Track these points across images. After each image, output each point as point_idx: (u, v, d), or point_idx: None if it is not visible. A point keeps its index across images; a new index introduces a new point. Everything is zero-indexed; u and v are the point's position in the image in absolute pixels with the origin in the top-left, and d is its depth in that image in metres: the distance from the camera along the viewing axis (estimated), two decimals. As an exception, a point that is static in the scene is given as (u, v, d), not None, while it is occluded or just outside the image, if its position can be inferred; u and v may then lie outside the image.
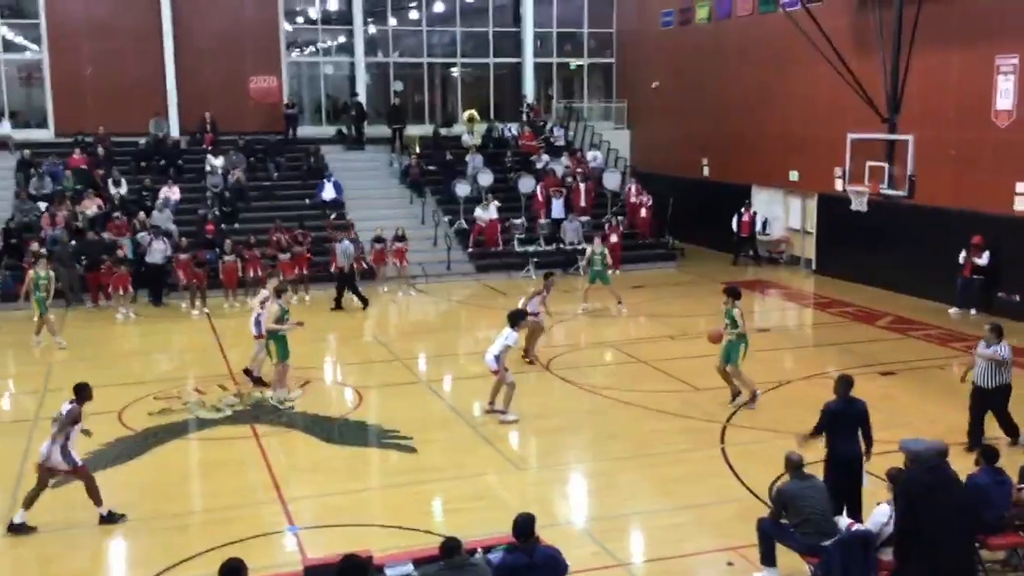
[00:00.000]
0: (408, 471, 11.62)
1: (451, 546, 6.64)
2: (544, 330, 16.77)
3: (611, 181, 27.67)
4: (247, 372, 15.16)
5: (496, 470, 11.69)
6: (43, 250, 20.11)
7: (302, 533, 9.81)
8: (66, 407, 10.06)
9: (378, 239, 23.02)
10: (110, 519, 10.01)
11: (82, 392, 10.24)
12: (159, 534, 9.90)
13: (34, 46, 28.00)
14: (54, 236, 21.52)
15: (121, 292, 20.46)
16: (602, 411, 13.86)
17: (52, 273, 18.31)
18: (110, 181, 24.42)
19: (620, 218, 26.13)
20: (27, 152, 25.18)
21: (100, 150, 25.62)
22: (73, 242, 21.66)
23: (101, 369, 16.08)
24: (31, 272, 18.09)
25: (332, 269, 21.80)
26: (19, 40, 28.26)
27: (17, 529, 9.77)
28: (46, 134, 27.48)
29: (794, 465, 8.45)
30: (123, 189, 24.28)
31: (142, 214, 22.96)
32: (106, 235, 21.92)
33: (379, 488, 11.44)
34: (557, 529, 9.35)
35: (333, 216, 24.64)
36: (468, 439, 12.71)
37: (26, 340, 17.77)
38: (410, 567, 7.02)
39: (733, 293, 13.60)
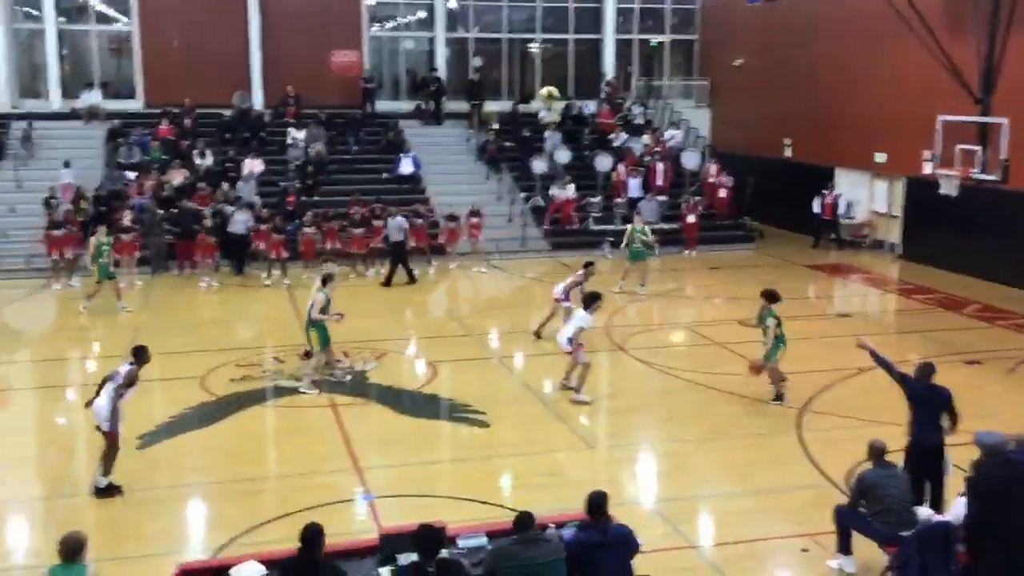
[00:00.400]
0: (479, 445, 11.71)
1: (524, 520, 6.67)
2: (567, 313, 16.37)
3: (690, 161, 27.31)
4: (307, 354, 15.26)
5: (567, 447, 11.70)
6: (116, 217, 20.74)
7: (376, 502, 9.97)
8: (124, 368, 10.19)
9: (451, 216, 23.12)
10: (107, 491, 10.03)
11: (141, 355, 10.33)
12: (238, 498, 10.16)
13: (124, 18, 28.67)
14: (142, 204, 22.11)
15: (209, 261, 21.00)
16: (675, 392, 13.76)
17: (112, 239, 18.93)
18: (195, 152, 24.96)
19: (698, 198, 25.80)
20: (116, 122, 25.84)
21: (187, 121, 26.18)
22: (161, 211, 22.24)
23: (184, 335, 16.52)
24: (93, 239, 18.65)
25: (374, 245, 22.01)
26: (111, 12, 28.96)
27: (103, 492, 10.10)
28: (135, 105, 28.16)
29: (877, 452, 8.27)
30: (208, 160, 24.80)
31: (226, 185, 23.43)
32: (191, 205, 22.43)
33: (451, 461, 11.56)
34: (627, 508, 9.32)
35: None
36: (539, 416, 12.74)
37: (112, 305, 18.31)
38: (483, 539, 7.06)
39: (769, 296, 12.98)
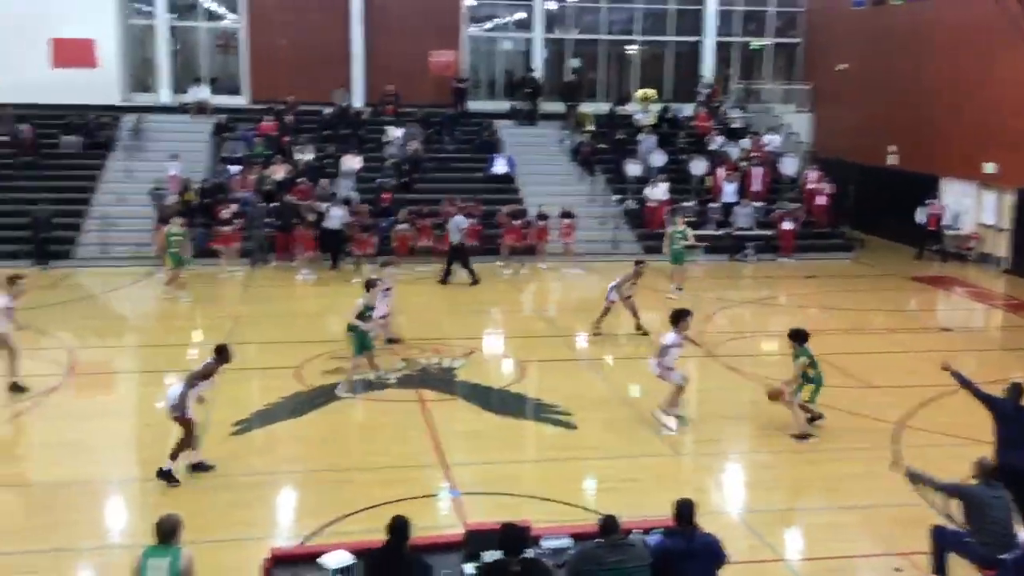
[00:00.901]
0: (566, 447, 11.69)
1: (610, 524, 6.63)
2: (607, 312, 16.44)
3: (788, 166, 26.78)
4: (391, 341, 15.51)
5: (654, 453, 11.59)
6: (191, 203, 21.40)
7: (460, 498, 10.04)
8: (205, 362, 10.52)
9: (541, 216, 23.15)
10: (166, 476, 10.22)
11: (223, 353, 10.62)
12: (328, 487, 10.36)
13: (233, 15, 29.50)
14: (246, 198, 22.71)
15: (307, 254, 21.48)
16: (766, 402, 13.45)
17: (186, 230, 19.43)
18: (296, 148, 25.53)
19: (796, 205, 25.27)
20: (222, 117, 26.61)
21: (289, 118, 26.80)
22: (264, 204, 22.83)
23: (281, 327, 16.93)
24: (165, 229, 19.22)
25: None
26: (220, 9, 29.84)
27: (197, 468, 10.41)
28: (241, 100, 28.96)
29: (986, 471, 7.96)
30: (308, 156, 25.33)
31: (324, 181, 23.91)
32: (291, 199, 22.94)
33: (536, 460, 11.56)
34: (714, 517, 9.17)
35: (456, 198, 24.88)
36: (626, 419, 12.64)
37: (216, 294, 18.86)
38: (568, 540, 7.05)
39: (796, 337, 12.11)
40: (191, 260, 19.24)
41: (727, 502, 10.40)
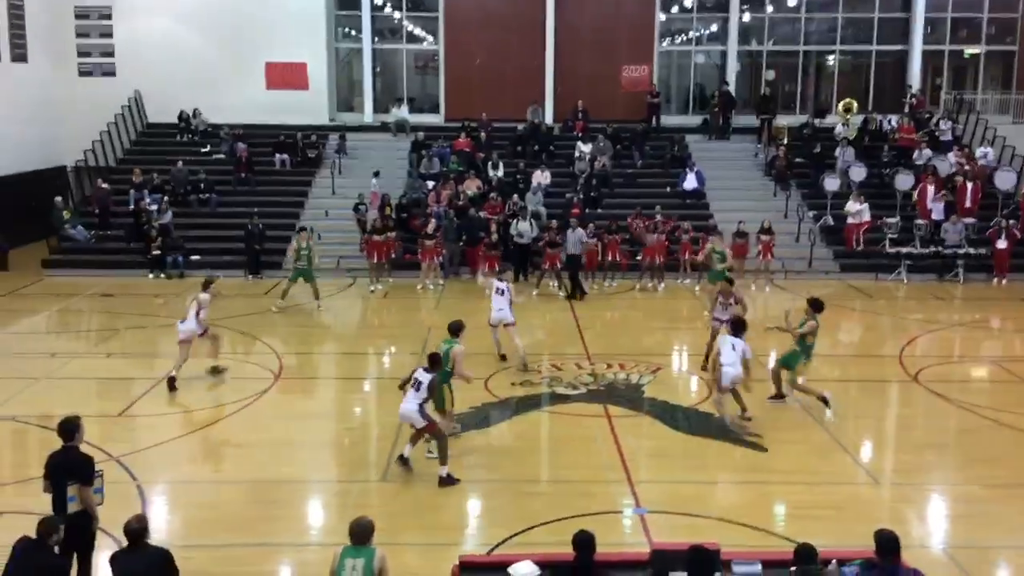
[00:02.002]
0: (756, 469, 11.36)
1: (806, 553, 6.39)
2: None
3: (1004, 181, 25.03)
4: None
5: (850, 480, 11.10)
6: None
7: (645, 516, 9.94)
8: (425, 376, 10.87)
9: (740, 233, 22.67)
10: (448, 481, 10.70)
11: (435, 362, 11.10)
12: (515, 497, 10.51)
13: (431, 38, 30.62)
14: (439, 213, 23.47)
15: (487, 268, 21.91)
16: (975, 431, 12.65)
17: (312, 245, 20.12)
18: (489, 164, 26.15)
19: (1011, 222, 23.58)
20: (420, 135, 27.64)
21: (482, 135, 27.50)
22: (456, 219, 23.52)
23: (470, 339, 17.24)
24: (294, 243, 19.97)
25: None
26: (419, 32, 31.05)
27: (445, 482, 10.80)
28: (437, 119, 29.98)
29: None
30: (500, 171, 25.89)
31: (515, 196, 24.36)
32: (482, 214, 23.51)
33: (724, 482, 11.29)
34: (916, 552, 8.68)
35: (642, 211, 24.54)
36: (822, 444, 12.16)
37: (413, 304, 19.56)
38: (758, 567, 6.85)
39: (814, 305, 13.17)
40: (314, 272, 19.98)
41: (931, 535, 9.81)
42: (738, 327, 12.88)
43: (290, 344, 17.30)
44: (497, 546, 9.09)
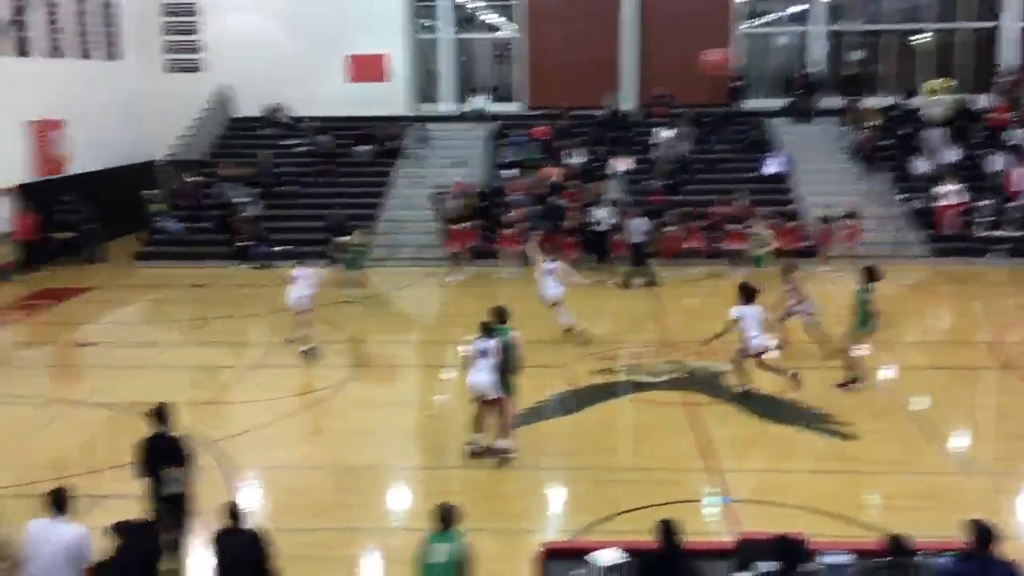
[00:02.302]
0: (842, 458, 11.15)
1: (900, 543, 6.25)
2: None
3: (1104, 160, 24.00)
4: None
5: (940, 470, 10.82)
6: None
7: (728, 505, 9.85)
8: (487, 342, 10.90)
9: (825, 219, 22.20)
10: (503, 456, 10.82)
11: (490, 327, 11.10)
12: (596, 485, 10.52)
13: (511, 26, 30.61)
14: (518, 201, 23.49)
15: (570, 255, 21.85)
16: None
17: (363, 241, 20.56)
18: (568, 151, 26.08)
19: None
20: (499, 124, 27.68)
21: (561, 122, 27.44)
22: (537, 207, 23.54)
23: (550, 326, 17.34)
24: (345, 239, 20.45)
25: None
26: (498, 21, 31.08)
27: (491, 453, 10.92)
28: (516, 107, 30.00)
29: None
30: (579, 159, 25.81)
31: (594, 183, 24.26)
32: (561, 202, 23.47)
33: (811, 471, 11.08)
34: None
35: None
36: (911, 433, 11.88)
37: (494, 293, 19.63)
38: (848, 557, 6.71)
39: (870, 274, 13.43)
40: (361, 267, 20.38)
41: (1026, 528, 9.51)
42: (749, 294, 12.98)
43: (371, 333, 17.55)
44: (580, 533, 9.11)
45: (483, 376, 10.87)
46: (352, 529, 9.60)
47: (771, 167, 25.32)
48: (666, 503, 9.48)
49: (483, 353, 10.92)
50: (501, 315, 11.67)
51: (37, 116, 23.67)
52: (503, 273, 21.85)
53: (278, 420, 12.77)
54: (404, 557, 8.70)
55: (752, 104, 28.90)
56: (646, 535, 6.69)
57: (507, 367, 11.25)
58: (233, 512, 7.24)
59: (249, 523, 7.37)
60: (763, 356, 13.13)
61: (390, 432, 12.58)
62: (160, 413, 8.48)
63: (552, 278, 16.04)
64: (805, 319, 14.96)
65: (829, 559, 6.69)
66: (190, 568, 8.34)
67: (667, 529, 6.40)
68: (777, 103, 28.97)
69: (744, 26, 30.04)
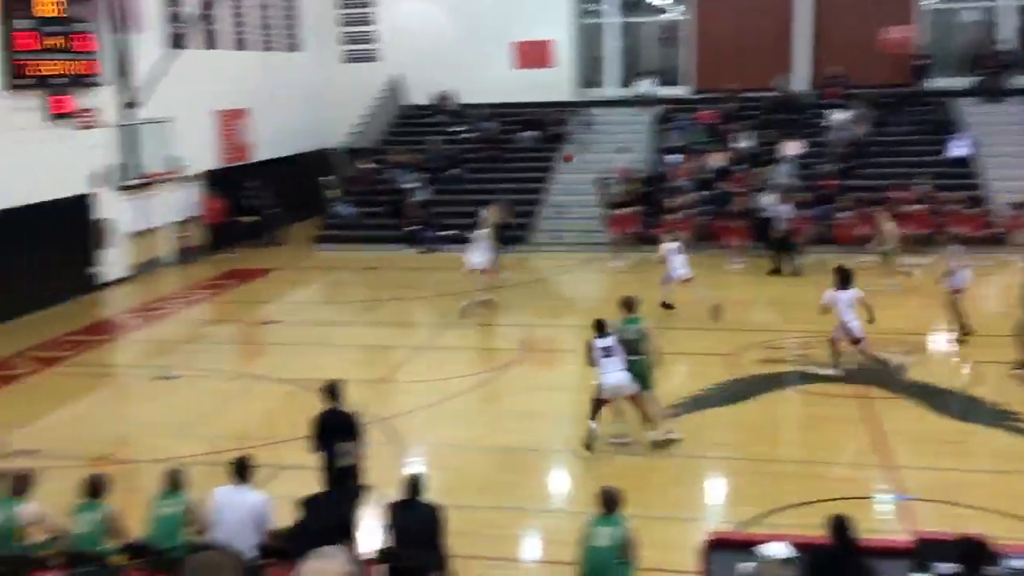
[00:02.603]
0: (1027, 459, 10.50)
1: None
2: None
3: None
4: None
5: None
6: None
7: (903, 503, 9.44)
8: (608, 340, 10.71)
9: (1016, 204, 20.82)
10: (664, 442, 10.76)
11: (602, 325, 10.90)
12: (759, 477, 10.30)
13: (678, 8, 30.09)
14: (682, 187, 23.16)
15: (739, 242, 21.39)
16: None
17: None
18: (736, 135, 25.49)
19: None
20: (664, 107, 27.32)
21: (729, 105, 26.82)
22: (704, 192, 23.16)
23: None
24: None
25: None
26: (664, 2, 30.61)
27: (660, 445, 10.86)
28: (682, 91, 29.52)
29: None
30: (748, 143, 25.17)
31: (763, 168, 23.61)
32: (728, 188, 22.96)
33: (992, 471, 10.46)
34: None
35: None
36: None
37: (654, 278, 19.46)
38: (1034, 562, 6.33)
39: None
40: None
41: None
42: (844, 278, 12.89)
43: (537, 317, 17.74)
44: (745, 524, 8.94)
45: (619, 374, 10.62)
46: (516, 508, 9.77)
47: (956, 150, 23.93)
48: (835, 498, 9.16)
49: (606, 352, 10.67)
50: (629, 305, 11.44)
51: (224, 106, 25.09)
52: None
53: (444, 400, 13.10)
54: (565, 538, 8.80)
55: (939, 83, 27.33)
56: (814, 530, 6.51)
57: (639, 358, 10.98)
58: (413, 485, 7.51)
59: (426, 497, 7.62)
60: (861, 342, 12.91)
61: (554, 415, 12.70)
62: (332, 390, 8.87)
63: (681, 256, 16.42)
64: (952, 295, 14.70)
65: (1016, 563, 6.32)
66: (362, 539, 8.70)
67: (840, 525, 6.20)
68: (963, 82, 27.33)
69: (928, 1, 28.45)
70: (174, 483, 7.86)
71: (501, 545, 9.04)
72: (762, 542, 6.55)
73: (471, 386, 13.71)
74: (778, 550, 6.32)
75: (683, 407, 12.27)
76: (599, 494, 7.19)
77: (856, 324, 12.83)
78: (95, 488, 7.75)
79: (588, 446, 10.81)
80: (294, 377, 14.00)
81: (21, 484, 7.81)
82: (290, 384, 13.75)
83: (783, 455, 11.10)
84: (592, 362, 10.82)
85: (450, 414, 12.83)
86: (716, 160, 24.44)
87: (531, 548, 9.31)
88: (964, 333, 14.70)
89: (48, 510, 7.83)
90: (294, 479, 9.26)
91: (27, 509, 7.69)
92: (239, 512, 7.56)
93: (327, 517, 7.46)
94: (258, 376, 14.38)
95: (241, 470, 7.75)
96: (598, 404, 10.84)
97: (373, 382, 13.74)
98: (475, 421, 12.69)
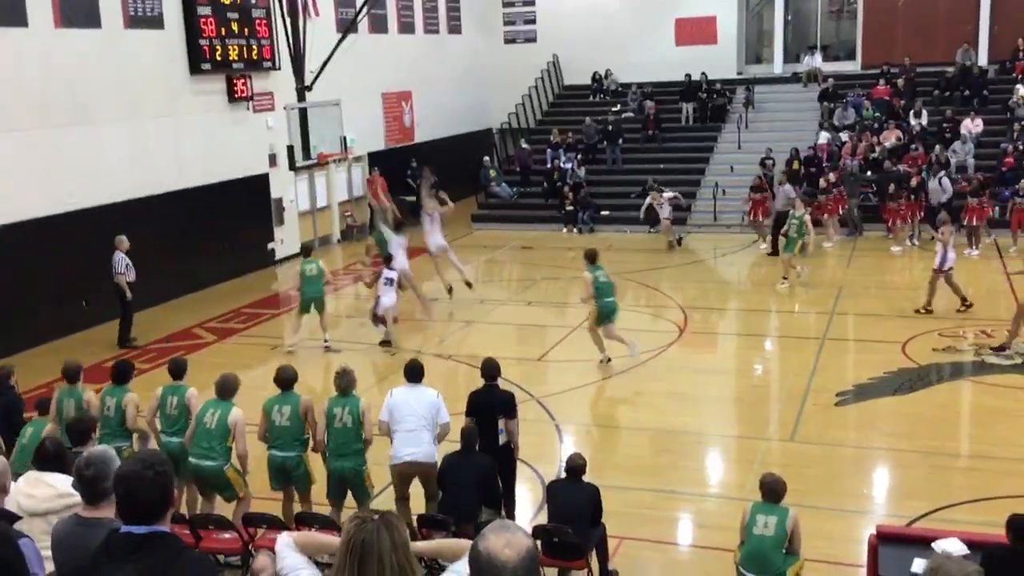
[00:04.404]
0: None
1: None
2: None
3: None
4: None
5: None
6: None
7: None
8: None
9: None
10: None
11: None
12: (931, 470, 9.84)
13: (848, -20, 28.88)
14: (846, 166, 22.22)
15: (900, 224, 20.38)
16: None
17: (804, 215, 17.97)
18: (911, 112, 24.25)
19: None
20: (829, 83, 26.25)
21: (902, 81, 25.53)
22: (869, 172, 22.18)
23: (881, 300, 16.39)
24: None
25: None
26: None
27: None
28: (852, 66, 28.30)
29: None
30: (923, 120, 23.91)
31: (939, 147, 22.38)
32: (901, 167, 21.87)
33: None
34: None
35: None
36: None
37: (818, 261, 18.84)
38: None
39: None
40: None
41: None
42: None
43: (694, 299, 17.45)
44: (916, 520, 8.55)
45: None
46: (669, 492, 9.67)
47: None
48: (1013, 496, 8.63)
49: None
50: (592, 257, 13.26)
51: (389, 89, 25.76)
52: (826, 241, 20.68)
53: (601, 380, 13.08)
54: (717, 523, 8.69)
55: None
56: (990, 528, 6.16)
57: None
58: (577, 465, 7.59)
59: (586, 477, 7.68)
60: None
61: (712, 399, 12.50)
62: (488, 367, 8.99)
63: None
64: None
65: None
66: (518, 514, 8.81)
67: (1021, 526, 5.82)
68: None
69: None
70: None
71: (654, 527, 8.96)
72: (933, 538, 6.25)
73: (626, 367, 13.63)
74: (955, 546, 6.01)
75: (850, 395, 11.84)
76: (762, 481, 7.03)
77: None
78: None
79: None
80: (453, 353, 14.30)
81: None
82: (448, 361, 14.05)
83: (957, 449, 10.55)
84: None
85: (606, 394, 12.81)
86: (888, 138, 23.33)
87: (684, 532, 9.19)
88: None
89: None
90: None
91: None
92: (418, 407, 8.17)
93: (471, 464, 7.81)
94: (415, 351, 14.73)
95: (414, 371, 8.45)
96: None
97: (528, 361, 13.86)
98: (630, 402, 12.62)
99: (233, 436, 8.18)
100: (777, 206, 20.13)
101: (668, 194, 21.71)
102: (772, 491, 6.89)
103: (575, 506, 7.42)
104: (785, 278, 17.33)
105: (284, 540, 3.68)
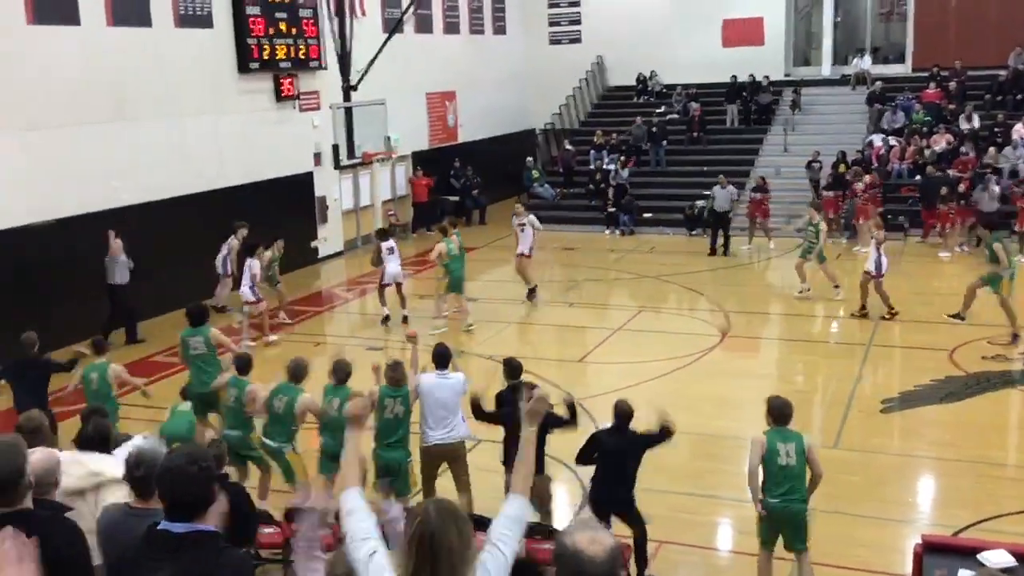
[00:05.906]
0: None
1: None
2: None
3: None
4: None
5: None
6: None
7: None
8: None
9: None
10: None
11: None
12: (979, 480, 9.67)
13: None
14: (899, 171, 21.90)
15: (949, 228, 20.04)
16: None
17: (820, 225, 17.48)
18: (961, 116, 23.84)
19: None
20: (878, 85, 25.88)
21: (953, 84, 25.11)
22: (918, 177, 21.86)
23: (927, 306, 16.11)
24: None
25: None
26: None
27: None
28: (902, 68, 27.89)
29: None
30: (974, 124, 23.50)
31: (992, 151, 21.98)
32: (951, 172, 21.51)
33: None
34: None
35: None
36: None
37: (856, 267, 18.57)
38: None
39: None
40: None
41: None
42: None
43: (736, 303, 17.29)
44: (962, 530, 8.40)
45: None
46: (709, 496, 9.59)
47: None
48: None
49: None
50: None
51: (433, 89, 25.86)
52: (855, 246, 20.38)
53: (642, 383, 13.00)
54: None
55: None
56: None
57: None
58: (621, 412, 8.02)
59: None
60: None
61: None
62: (511, 366, 8.96)
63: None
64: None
65: None
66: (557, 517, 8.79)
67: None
68: None
69: None
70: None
71: (694, 531, 8.90)
72: (979, 549, 6.13)
73: (668, 370, 13.55)
74: (1000, 558, 5.89)
75: (896, 402, 11.67)
76: (770, 406, 7.51)
77: None
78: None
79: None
80: (493, 353, 14.30)
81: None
82: (489, 361, 14.06)
83: (1002, 458, 10.34)
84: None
85: (647, 397, 12.70)
86: (938, 143, 22.96)
87: (724, 537, 9.11)
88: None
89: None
90: (492, 450, 9.46)
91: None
92: (443, 396, 8.53)
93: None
94: (458, 351, 14.76)
95: (442, 357, 8.73)
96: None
97: (569, 362, 13.83)
98: (670, 405, 12.43)
99: (300, 421, 8.70)
100: (717, 207, 20.77)
101: None
102: (781, 414, 6.91)
103: (621, 454, 7.43)
104: (837, 286, 17.02)
105: (355, 496, 3.60)
